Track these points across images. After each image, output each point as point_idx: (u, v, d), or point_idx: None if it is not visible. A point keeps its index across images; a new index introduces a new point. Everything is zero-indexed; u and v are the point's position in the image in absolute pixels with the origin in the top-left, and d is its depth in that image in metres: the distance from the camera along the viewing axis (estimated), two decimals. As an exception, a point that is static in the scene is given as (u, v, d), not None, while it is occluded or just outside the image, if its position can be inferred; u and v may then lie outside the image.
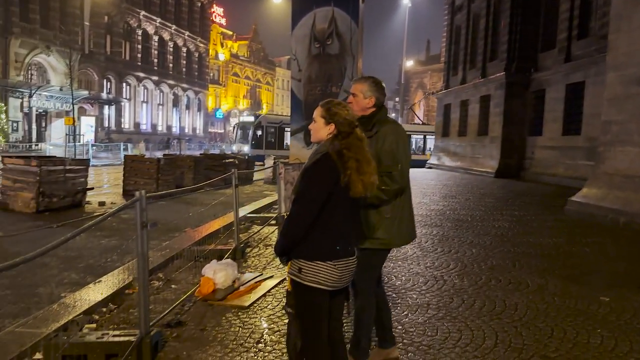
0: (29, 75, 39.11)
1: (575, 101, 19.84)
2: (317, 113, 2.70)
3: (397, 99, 67.54)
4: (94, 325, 4.37)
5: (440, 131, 34.14)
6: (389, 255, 3.56)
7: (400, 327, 4.17)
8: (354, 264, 2.71)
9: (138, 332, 3.58)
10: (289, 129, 35.11)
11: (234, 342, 3.88)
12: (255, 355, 3.64)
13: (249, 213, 10.42)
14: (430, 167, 33.04)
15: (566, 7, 20.89)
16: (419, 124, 52.94)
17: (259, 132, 34.30)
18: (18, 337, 3.98)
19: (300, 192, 2.60)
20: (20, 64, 37.41)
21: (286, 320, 4.23)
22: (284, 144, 34.69)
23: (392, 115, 73.05)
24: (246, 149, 33.26)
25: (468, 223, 9.76)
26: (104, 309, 4.82)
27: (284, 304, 2.86)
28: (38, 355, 3.79)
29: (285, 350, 3.73)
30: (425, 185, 19.00)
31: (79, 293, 5.16)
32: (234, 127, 40.82)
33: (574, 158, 19.60)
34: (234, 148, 35.49)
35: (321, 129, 2.67)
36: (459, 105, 30.53)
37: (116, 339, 3.60)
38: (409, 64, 61.45)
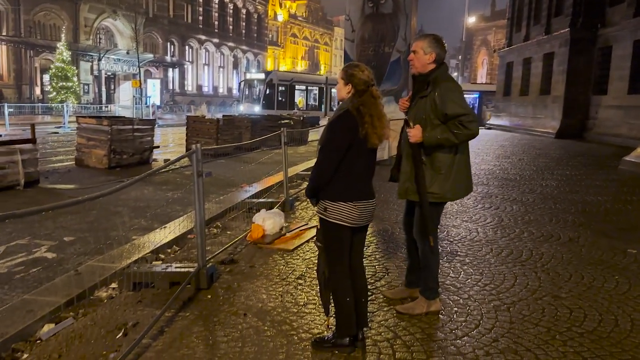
0: (98, 40, 40.89)
1: (644, 58, 18.99)
2: (338, 76, 3.14)
3: (460, 57, 65.72)
4: (160, 262, 5.05)
5: (502, 91, 33.29)
6: None
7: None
8: (373, 205, 3.16)
9: (196, 265, 4.20)
10: (300, 87, 32.45)
11: (278, 277, 4.44)
12: (294, 288, 4.19)
13: (301, 171, 10.96)
14: (490, 128, 32.45)
15: (638, -43, 19.74)
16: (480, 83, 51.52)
17: (270, 91, 31.06)
18: (97, 270, 4.71)
19: (324, 142, 3.03)
20: (89, 29, 39.16)
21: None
22: (294, 104, 32.96)
23: (454, 74, 71.32)
24: (257, 109, 30.05)
25: (515, 182, 9.91)
26: (169, 250, 5.52)
27: (315, 238, 3.33)
28: (114, 285, 4.50)
29: (317, 284, 4.27)
30: (481, 145, 18.90)
31: (147, 236, 5.90)
32: (239, 85, 37.72)
33: (639, 117, 18.89)
34: (241, 108, 32.31)
35: (342, 89, 3.10)
36: (522, 63, 29.63)
37: (178, 270, 4.24)
38: (472, 20, 59.35)
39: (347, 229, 3.08)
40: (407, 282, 4.00)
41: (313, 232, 5.93)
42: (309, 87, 34.75)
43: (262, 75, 33.03)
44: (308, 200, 3.24)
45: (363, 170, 3.08)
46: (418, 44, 3.51)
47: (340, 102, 3.17)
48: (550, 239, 5.73)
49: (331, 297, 3.21)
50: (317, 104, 35.36)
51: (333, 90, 33.35)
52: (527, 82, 28.79)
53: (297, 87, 33.03)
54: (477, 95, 39.37)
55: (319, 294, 3.49)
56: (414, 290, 3.89)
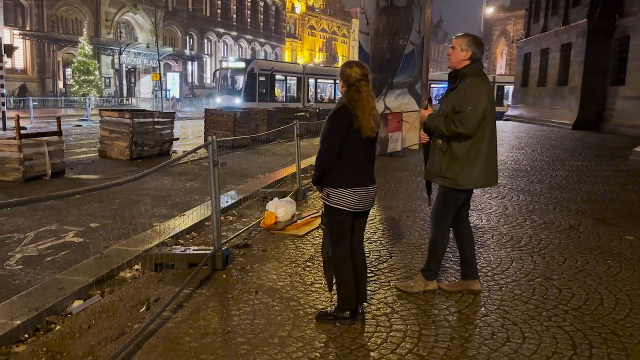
0: (118, 34, 41.60)
1: (662, 48, 18.85)
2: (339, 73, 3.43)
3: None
4: (180, 246, 5.40)
5: (520, 81, 33.13)
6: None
7: (419, 253, 4.86)
8: (373, 191, 3.46)
9: (213, 248, 4.54)
10: (279, 78, 31.53)
11: (288, 260, 4.77)
12: (303, 270, 4.51)
13: (316, 162, 11.25)
14: (507, 119, 32.36)
15: (656, -54, 19.55)
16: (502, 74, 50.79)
17: (251, 81, 28.08)
18: (121, 252, 5.09)
19: (324, 134, 3.34)
20: (110, 23, 39.84)
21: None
22: (275, 95, 30.22)
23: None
24: (237, 101, 26.87)
25: (525, 172, 10.09)
26: (187, 236, 5.88)
27: (321, 221, 3.64)
28: (137, 266, 4.87)
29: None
30: (497, 137, 18.96)
31: (167, 223, 6.27)
32: (214, 75, 34.14)
33: (657, 109, 18.80)
34: (218, 101, 29.11)
35: (340, 85, 3.42)
36: (539, 54, 29.47)
37: (196, 252, 4.60)
38: (491, 10, 58.85)
39: (348, 213, 3.38)
40: (462, 274, 4.04)
41: (323, 219, 6.24)
42: (288, 77, 32.42)
43: (242, 64, 29.77)
44: (313, 185, 3.59)
45: (362, 158, 3.37)
46: (457, 41, 3.75)
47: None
48: (551, 227, 5.96)
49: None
50: (295, 95, 32.41)
51: (311, 80, 32.85)
52: (544, 73, 28.65)
53: (277, 77, 30.57)
54: (445, 86, 38.93)
55: (323, 273, 3.78)
56: (469, 282, 3.95)
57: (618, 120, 21.45)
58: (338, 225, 3.44)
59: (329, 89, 35.68)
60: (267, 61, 39.38)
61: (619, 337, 3.25)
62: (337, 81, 3.50)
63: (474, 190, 4.04)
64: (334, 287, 3.55)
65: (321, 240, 5.30)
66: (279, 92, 30.98)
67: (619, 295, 3.94)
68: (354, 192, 3.33)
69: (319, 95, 34.36)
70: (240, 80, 28.63)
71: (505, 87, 38.38)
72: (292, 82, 32.66)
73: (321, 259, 4.74)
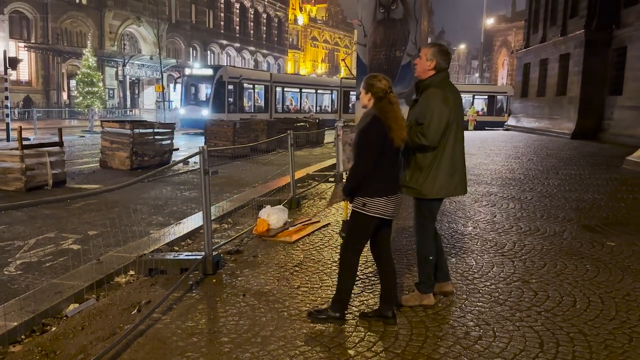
0: (122, 46, 42.10)
1: (657, 59, 19.04)
2: (361, 85, 3.56)
3: (479, 58, 65.54)
4: (174, 252, 5.58)
5: (519, 92, 33.34)
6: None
7: (405, 259, 5.02)
8: (401, 198, 3.65)
9: (204, 253, 4.71)
10: (248, 86, 29.24)
11: (277, 265, 4.94)
12: (291, 274, 4.68)
13: (314, 172, 11.45)
14: (507, 129, 32.54)
15: (651, -42, 19.81)
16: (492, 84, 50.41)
17: (220, 90, 25.93)
18: (117, 259, 5.26)
19: (360, 147, 3.45)
20: (114, 35, 40.36)
21: (324, 253, 5.27)
22: (244, 105, 28.23)
23: (474, 75, 70.56)
24: (205, 112, 24.61)
25: (518, 181, 10.24)
26: (183, 243, 6.06)
27: (340, 229, 3.76)
28: (132, 272, 5.04)
29: (313, 270, 4.76)
30: (494, 146, 19.17)
31: (164, 231, 6.45)
32: (175, 82, 31.19)
33: (654, 118, 18.95)
34: (182, 112, 27.00)
35: (363, 97, 3.54)
36: (538, 64, 29.71)
37: (187, 257, 4.77)
38: (492, 21, 59.27)
39: (378, 221, 3.52)
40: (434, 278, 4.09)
41: (315, 226, 6.41)
42: (256, 86, 30.03)
43: (209, 71, 27.03)
44: (344, 195, 3.67)
45: (393, 167, 3.56)
46: (424, 50, 3.90)
47: (364, 109, 3.58)
48: (535, 233, 6.12)
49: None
50: (263, 104, 30.38)
51: (278, 89, 31.33)
52: (543, 83, 28.87)
53: (245, 85, 28.38)
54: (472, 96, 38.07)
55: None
56: (441, 284, 4.07)
57: (616, 130, 21.59)
58: (365, 233, 3.58)
59: (302, 99, 34.57)
60: (236, 68, 36.33)
61: (586, 336, 3.40)
62: (360, 93, 3.53)
63: (463, 199, 4.17)
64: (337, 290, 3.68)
65: (312, 248, 5.52)
66: (246, 101, 29.10)
67: (592, 297, 4.09)
68: (389, 200, 3.49)
69: (285, 105, 32.69)
70: (208, 89, 26.39)
71: (476, 96, 38.91)
72: (260, 90, 30.53)
73: (310, 264, 4.94)
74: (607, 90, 22.82)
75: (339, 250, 5.04)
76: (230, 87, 26.62)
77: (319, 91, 35.87)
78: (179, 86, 42.79)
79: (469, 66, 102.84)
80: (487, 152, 16.73)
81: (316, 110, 34.79)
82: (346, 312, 3.67)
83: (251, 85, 29.45)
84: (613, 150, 17.55)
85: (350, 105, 38.74)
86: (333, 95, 37.29)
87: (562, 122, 25.04)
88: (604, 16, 22.74)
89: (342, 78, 40.99)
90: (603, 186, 9.74)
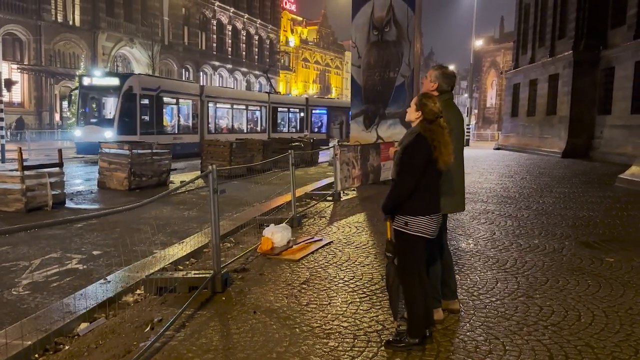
0: (115, 67, 42.26)
1: (645, 79, 19.48)
2: (413, 101, 3.58)
3: (469, 79, 66.40)
4: (182, 271, 5.62)
5: (509, 111, 33.85)
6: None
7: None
8: (441, 217, 3.63)
9: (212, 272, 4.77)
10: (169, 100, 23.30)
11: (284, 283, 5.00)
12: (299, 292, 4.74)
13: (311, 190, 11.54)
14: (499, 148, 32.92)
15: (636, -19, 20.38)
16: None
17: (129, 105, 20.55)
18: (124, 278, 5.30)
19: (404, 164, 3.42)
20: (107, 57, 40.55)
21: (329, 270, 5.34)
22: (164, 124, 23.01)
23: (464, 95, 71.37)
24: (107, 134, 19.50)
25: (513, 199, 10.40)
26: (187, 262, 6.10)
27: (385, 249, 3.71)
28: (139, 291, 5.08)
29: (320, 287, 4.83)
30: (487, 165, 19.41)
31: (167, 250, 6.49)
32: (70, 97, 24.18)
33: (643, 137, 19.30)
34: (78, 135, 21.04)
35: (412, 113, 3.54)
36: (528, 84, 30.24)
37: (196, 276, 4.82)
38: (480, 43, 60.20)
39: (424, 240, 3.49)
40: (442, 295, 4.16)
41: (318, 244, 6.49)
42: (181, 100, 24.61)
43: (114, 80, 21.20)
44: (384, 214, 3.59)
45: (435, 186, 3.52)
46: (430, 71, 4.05)
47: (411, 126, 3.59)
48: (535, 250, 6.23)
49: (403, 302, 3.64)
50: (191, 124, 25.35)
51: (210, 104, 26.30)
52: (533, 103, 29.36)
53: (165, 99, 22.91)
54: (324, 111, 36.79)
55: (389, 301, 3.84)
56: (448, 302, 4.12)
57: (606, 149, 21.95)
58: (413, 253, 3.53)
59: (247, 117, 30.18)
60: (153, 77, 28.26)
61: (593, 349, 3.49)
62: (410, 107, 3.54)
63: (461, 216, 4.26)
64: (400, 314, 3.69)
65: (317, 265, 5.59)
66: (168, 119, 23.94)
67: (596, 312, 4.18)
68: (432, 219, 3.46)
69: (218, 125, 27.44)
70: (113, 104, 20.93)
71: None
72: (186, 106, 25.33)
73: (317, 281, 5.01)
74: (597, 110, 23.26)
75: (350, 269, 5.12)
76: (145, 101, 21.32)
77: (263, 108, 31.14)
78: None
79: (457, 87, 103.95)
80: (480, 170, 16.93)
81: (268, 130, 30.90)
82: (429, 332, 3.58)
83: (174, 100, 23.82)
84: (604, 169, 17.83)
85: (320, 126, 36.67)
86: (293, 115, 34.35)
87: (552, 141, 25.40)
88: (592, 37, 23.28)
89: (276, 94, 38.28)
90: (597, 203, 9.91)
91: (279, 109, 32.83)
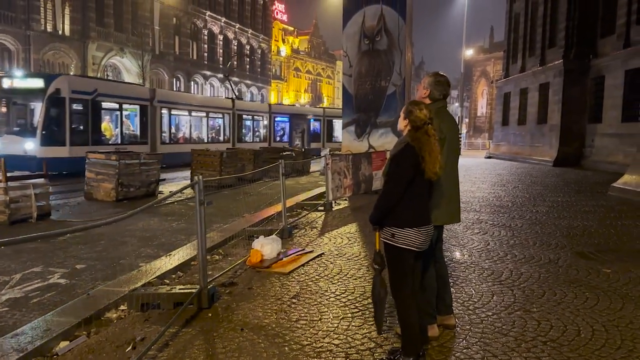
0: (105, 76, 41.97)
1: (635, 87, 19.55)
2: (402, 109, 3.45)
3: (459, 88, 66.71)
4: (167, 285, 5.43)
5: (500, 120, 33.93)
6: None
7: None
8: (432, 229, 3.43)
9: (198, 287, 4.59)
10: (111, 106, 20.33)
11: (273, 297, 4.83)
12: (288, 307, 4.57)
13: (302, 200, 11.38)
14: (490, 157, 32.96)
15: (625, -9, 20.53)
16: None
17: (56, 111, 17.64)
18: (107, 293, 5.10)
19: (390, 173, 3.28)
20: (97, 66, 40.25)
21: (320, 283, 5.18)
22: (102, 134, 19.99)
23: (454, 104, 71.80)
24: (30, 146, 17.01)
25: (507, 209, 10.29)
26: (173, 276, 5.91)
27: (373, 260, 3.57)
28: (123, 307, 4.89)
29: (310, 302, 4.66)
30: (479, 174, 19.35)
31: (154, 263, 6.29)
32: None
33: (634, 145, 19.29)
34: None
35: (401, 122, 3.42)
36: (519, 93, 30.33)
37: (181, 291, 4.64)
38: (470, 52, 60.56)
39: (412, 253, 3.33)
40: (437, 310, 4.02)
41: (309, 256, 6.32)
42: (126, 106, 21.44)
43: (38, 82, 18.03)
44: (371, 225, 3.46)
45: (424, 197, 3.38)
46: (424, 78, 3.96)
47: (401, 135, 3.48)
48: (531, 261, 6.10)
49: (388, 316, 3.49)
50: (139, 133, 22.16)
51: (164, 111, 23.38)
52: (524, 111, 29.44)
53: (104, 105, 19.95)
54: (286, 119, 34.75)
55: (373, 314, 3.72)
56: (443, 317, 3.98)
57: (598, 157, 21.98)
58: (402, 265, 3.36)
59: (208, 125, 27.37)
60: (88, 78, 23.91)
61: (595, 366, 3.35)
62: (400, 118, 3.42)
63: (455, 226, 4.14)
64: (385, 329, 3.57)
65: (308, 278, 5.42)
66: (109, 128, 20.72)
67: (596, 326, 4.05)
68: (420, 231, 3.30)
69: (173, 134, 24.95)
70: (37, 110, 17.73)
71: (333, 121, 36.15)
72: (133, 113, 22.24)
73: (307, 295, 4.84)
74: (588, 118, 23.33)
75: (342, 282, 4.96)
76: (77, 106, 18.40)
77: (226, 115, 28.60)
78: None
79: (449, 96, 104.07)
80: (472, 179, 16.86)
81: (233, 139, 28.77)
82: (422, 351, 3.40)
83: (116, 105, 20.75)
84: (596, 177, 17.81)
85: (281, 135, 34.35)
86: (257, 123, 32.18)
87: (544, 150, 25.44)
88: (581, 46, 23.39)
89: (241, 100, 34.97)
90: (591, 213, 9.82)
91: (244, 117, 30.54)
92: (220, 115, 28.40)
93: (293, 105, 59.55)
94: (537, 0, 28.63)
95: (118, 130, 21.03)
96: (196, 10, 51.97)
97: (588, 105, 23.42)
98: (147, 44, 43.68)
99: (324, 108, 42.34)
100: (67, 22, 38.42)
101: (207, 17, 53.85)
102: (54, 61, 37.97)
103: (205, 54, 54.35)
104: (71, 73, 34.98)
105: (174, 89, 48.24)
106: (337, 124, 36.21)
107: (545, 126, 25.88)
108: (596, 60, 22.70)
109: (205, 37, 54.31)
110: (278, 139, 33.58)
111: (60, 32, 38.08)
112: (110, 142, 20.21)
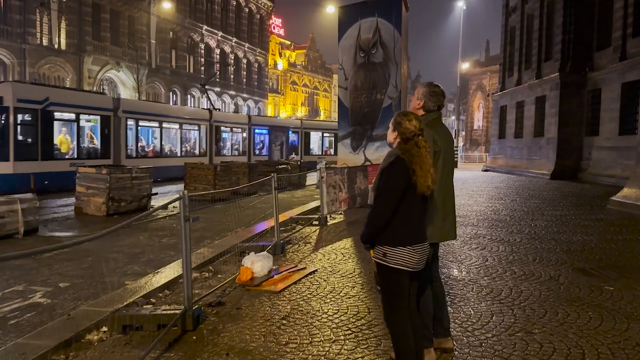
0: (101, 90, 41.90)
1: (632, 100, 19.47)
2: (391, 120, 3.26)
3: (455, 102, 66.84)
4: (150, 305, 5.20)
5: (497, 133, 33.86)
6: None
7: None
8: (427, 248, 3.21)
9: (183, 307, 4.37)
10: (66, 117, 18.43)
11: (262, 318, 4.60)
12: (277, 328, 4.35)
13: (296, 215, 11.17)
14: (487, 170, 32.83)
15: (620, 4, 20.54)
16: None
17: (2, 123, 15.83)
18: (89, 314, 4.86)
19: (380, 188, 3.07)
20: (93, 80, 40.16)
21: (312, 303, 4.96)
22: (55, 147, 17.92)
23: (451, 118, 71.86)
24: None
25: (505, 223, 10.09)
26: (160, 294, 5.67)
27: (375, 281, 3.33)
28: (104, 328, 4.65)
29: (301, 323, 4.44)
30: (476, 187, 19.17)
31: (140, 281, 6.05)
32: None
33: (631, 158, 19.16)
34: None
35: (390, 134, 3.24)
36: (515, 106, 30.28)
37: (165, 312, 4.41)
38: (466, 66, 60.79)
39: (407, 273, 3.12)
40: (433, 332, 3.83)
41: (302, 274, 6.11)
42: (84, 117, 19.47)
43: None
44: (362, 244, 3.24)
45: (418, 214, 3.16)
46: (418, 89, 3.79)
47: (390, 148, 3.29)
48: (531, 278, 5.89)
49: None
50: (99, 146, 20.25)
51: (130, 122, 21.67)
52: (520, 124, 29.36)
53: (58, 115, 18.01)
54: (265, 131, 33.01)
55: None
56: (440, 340, 3.81)
57: (595, 170, 21.85)
58: (396, 287, 3.14)
59: (181, 137, 25.64)
60: (37, 85, 20.15)
61: (603, 395, 3.13)
62: (389, 130, 3.25)
63: (452, 241, 3.94)
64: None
65: (300, 298, 5.21)
66: (66, 141, 18.71)
67: (601, 349, 3.84)
68: (414, 249, 3.08)
69: (141, 147, 23.23)
70: None
71: (311, 133, 35.66)
72: (94, 124, 20.33)
73: (298, 316, 4.62)
74: (585, 131, 23.24)
75: (335, 301, 4.76)
76: (23, 116, 16.53)
77: (202, 127, 26.80)
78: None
79: (445, 109, 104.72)
80: (469, 193, 16.68)
81: (210, 153, 26.98)
82: None
83: (72, 115, 18.68)
84: (594, 190, 17.66)
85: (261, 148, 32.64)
86: (236, 135, 30.44)
87: (541, 163, 25.31)
88: (578, 59, 23.37)
89: (218, 111, 33.44)
90: (591, 227, 9.63)
91: (222, 128, 28.83)
92: (196, 127, 26.72)
93: (272, 117, 59.00)
94: (532, 13, 28.68)
95: (74, 143, 18.91)
96: (193, 24, 52.08)
97: (585, 118, 23.35)
98: (144, 57, 43.67)
99: (301, 120, 41.41)
100: (63, 35, 38.39)
101: (203, 31, 53.97)
102: (50, 75, 37.86)
103: (202, 68, 54.37)
104: (67, 86, 34.83)
105: (170, 103, 48.14)
106: (315, 135, 36.49)
107: (542, 139, 25.78)
108: (593, 73, 22.66)
109: (202, 51, 54.37)
110: (257, 152, 32.03)
111: (56, 46, 38.03)
112: (63, 157, 18.19)
